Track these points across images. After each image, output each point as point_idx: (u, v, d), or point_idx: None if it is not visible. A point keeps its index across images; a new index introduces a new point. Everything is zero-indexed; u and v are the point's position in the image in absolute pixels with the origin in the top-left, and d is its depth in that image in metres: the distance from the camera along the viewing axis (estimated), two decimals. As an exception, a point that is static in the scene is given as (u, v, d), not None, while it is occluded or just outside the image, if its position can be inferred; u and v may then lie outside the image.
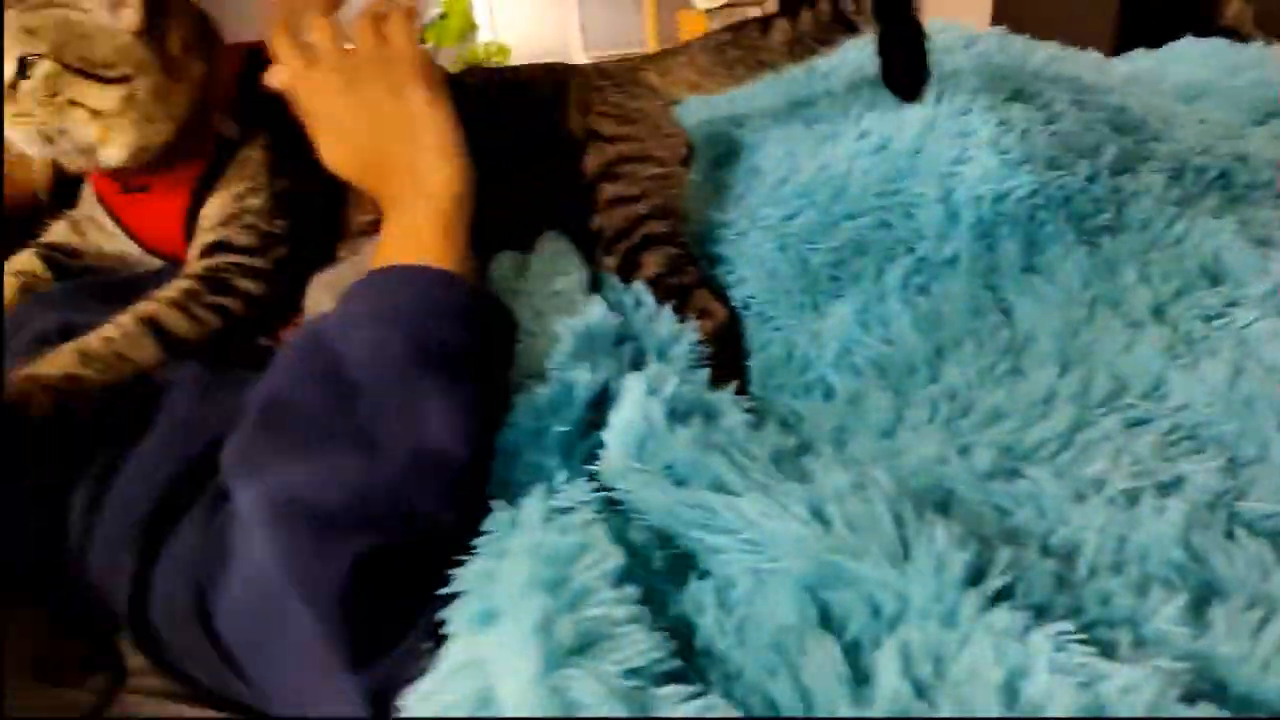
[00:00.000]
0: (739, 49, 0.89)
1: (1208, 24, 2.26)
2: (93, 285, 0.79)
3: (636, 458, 0.54)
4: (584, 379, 0.59)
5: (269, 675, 0.50)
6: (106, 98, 0.68)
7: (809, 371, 0.77)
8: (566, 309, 0.68)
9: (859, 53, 1.02)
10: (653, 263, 0.80)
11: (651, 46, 4.89)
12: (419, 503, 0.50)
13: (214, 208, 0.77)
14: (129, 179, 0.77)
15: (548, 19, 5.52)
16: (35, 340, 0.68)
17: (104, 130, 0.69)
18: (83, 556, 0.56)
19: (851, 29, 0.85)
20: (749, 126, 0.98)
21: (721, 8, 4.57)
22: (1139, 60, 1.36)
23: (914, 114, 0.86)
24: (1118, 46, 1.22)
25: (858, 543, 0.46)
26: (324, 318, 0.58)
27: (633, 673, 0.40)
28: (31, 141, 0.69)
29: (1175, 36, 1.39)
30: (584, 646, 0.41)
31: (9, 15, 0.66)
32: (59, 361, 0.63)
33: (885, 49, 0.82)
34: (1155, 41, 1.39)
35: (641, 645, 0.42)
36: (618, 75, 0.92)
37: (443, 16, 4.43)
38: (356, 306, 0.58)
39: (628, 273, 0.78)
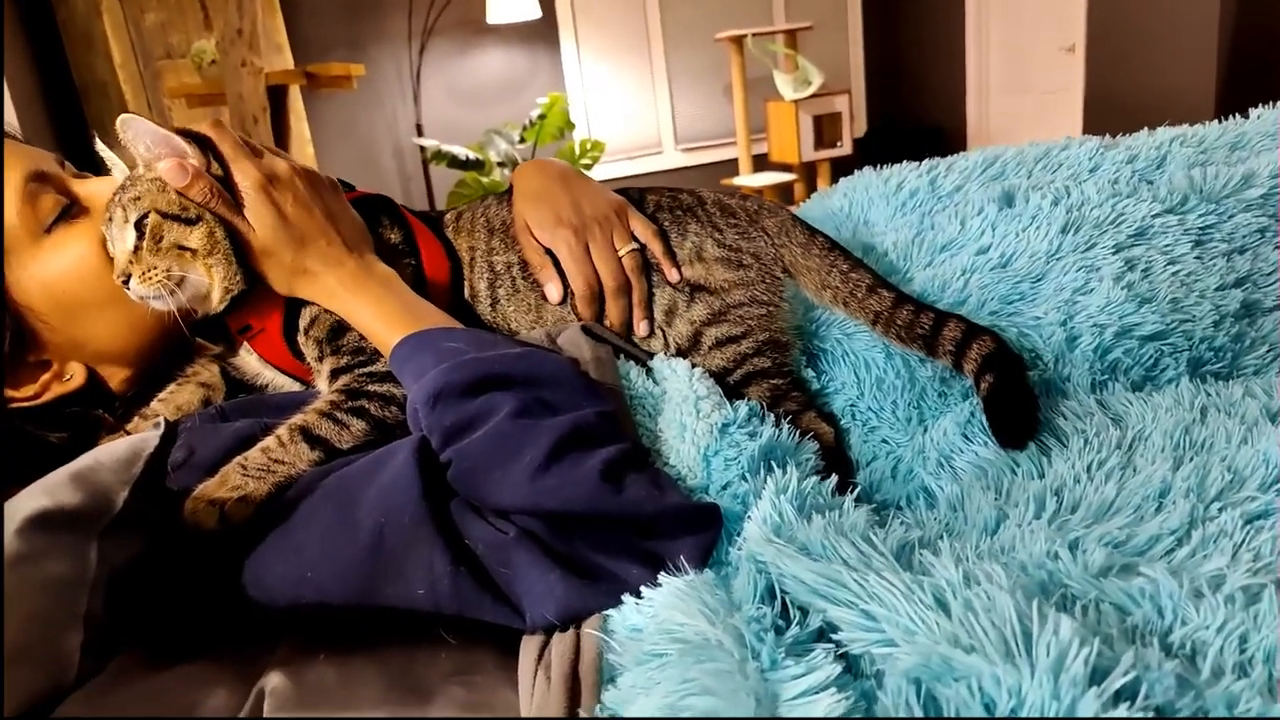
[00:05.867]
0: (844, 278, 0.89)
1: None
2: (259, 402, 0.88)
3: (774, 536, 0.59)
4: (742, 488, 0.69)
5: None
6: (195, 236, 0.77)
7: (912, 482, 0.80)
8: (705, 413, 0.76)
9: (980, 168, 1.07)
10: (756, 395, 0.85)
11: (742, 138, 5.03)
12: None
13: (308, 349, 0.84)
14: (237, 324, 0.85)
15: (641, 115, 5.77)
16: (218, 454, 0.75)
17: (208, 269, 0.78)
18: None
19: (929, 350, 0.83)
20: (862, 228, 1.03)
21: (809, 98, 4.70)
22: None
23: (1039, 240, 0.89)
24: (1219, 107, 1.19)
25: (972, 635, 0.47)
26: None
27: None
28: (160, 295, 0.77)
29: (1276, 96, 1.34)
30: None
31: (121, 197, 0.77)
32: (226, 477, 0.71)
33: (993, 403, 0.78)
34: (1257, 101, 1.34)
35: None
36: (740, 216, 0.95)
37: (541, 117, 4.68)
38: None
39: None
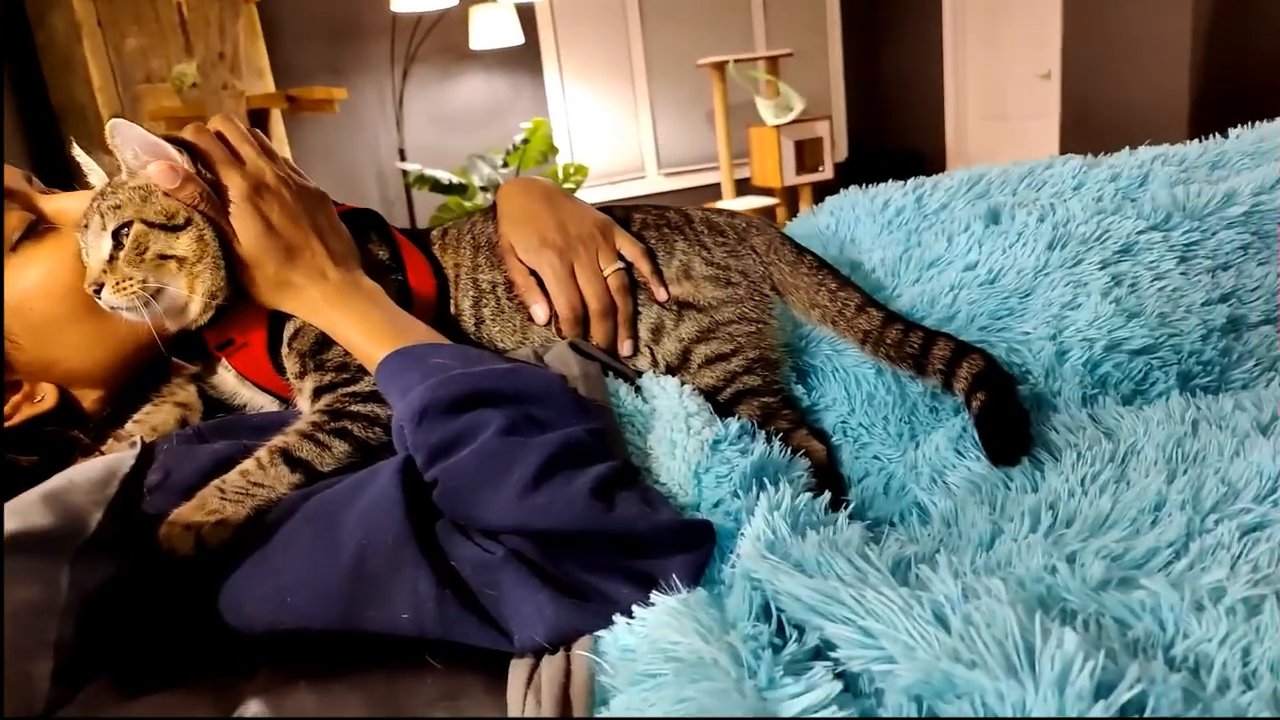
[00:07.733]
0: (832, 297, 0.89)
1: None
2: (238, 422, 0.85)
3: (769, 553, 0.58)
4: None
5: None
6: (182, 243, 0.75)
7: (905, 498, 0.79)
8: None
9: (965, 186, 1.07)
10: (747, 414, 0.84)
11: (724, 163, 5.07)
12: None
13: (290, 363, 0.82)
14: (217, 339, 0.82)
15: (624, 140, 5.80)
16: (195, 476, 0.72)
17: (190, 279, 0.76)
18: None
19: (919, 370, 0.83)
20: (849, 245, 1.03)
21: (791, 124, 4.75)
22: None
23: (1026, 256, 0.90)
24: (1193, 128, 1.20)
25: (973, 650, 0.46)
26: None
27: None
28: (133, 305, 0.74)
29: (1248, 118, 1.33)
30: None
31: (100, 204, 0.75)
32: (203, 501, 0.68)
33: (985, 421, 0.77)
34: (1229, 120, 1.32)
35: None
36: (729, 234, 0.95)
37: (525, 142, 4.70)
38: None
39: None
